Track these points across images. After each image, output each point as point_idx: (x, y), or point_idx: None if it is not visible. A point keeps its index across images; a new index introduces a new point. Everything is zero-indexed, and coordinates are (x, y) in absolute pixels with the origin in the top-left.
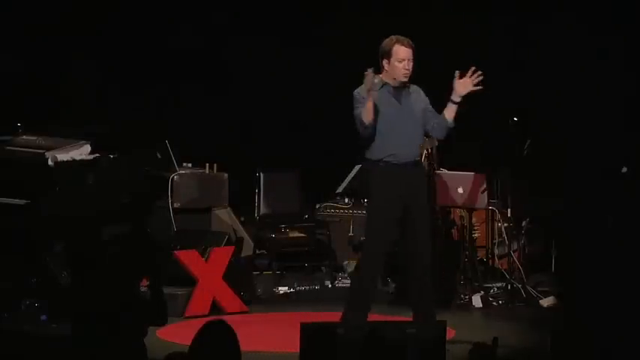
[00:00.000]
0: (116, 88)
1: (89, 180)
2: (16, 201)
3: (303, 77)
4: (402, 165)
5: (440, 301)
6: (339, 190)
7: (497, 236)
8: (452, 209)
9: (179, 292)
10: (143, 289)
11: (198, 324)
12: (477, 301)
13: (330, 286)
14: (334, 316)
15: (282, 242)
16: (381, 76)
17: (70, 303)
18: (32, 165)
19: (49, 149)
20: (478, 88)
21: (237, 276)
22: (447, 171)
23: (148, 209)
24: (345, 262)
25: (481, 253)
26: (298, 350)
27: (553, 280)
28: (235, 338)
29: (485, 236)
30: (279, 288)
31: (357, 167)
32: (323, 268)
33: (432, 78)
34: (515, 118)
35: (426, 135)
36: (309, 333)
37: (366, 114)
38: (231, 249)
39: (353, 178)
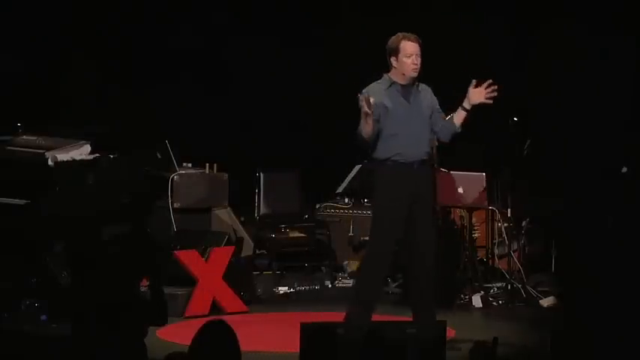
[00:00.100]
0: (116, 88)
1: (89, 180)
2: (16, 201)
3: (303, 77)
4: (409, 164)
5: (441, 301)
6: (339, 190)
7: (497, 236)
8: (452, 209)
9: (179, 292)
10: (143, 289)
11: (198, 324)
12: (477, 301)
13: (330, 286)
14: (334, 316)
15: (282, 242)
16: (389, 74)
17: (70, 303)
18: (32, 165)
19: (49, 149)
20: (489, 102)
21: (237, 276)
22: (447, 170)
23: (148, 209)
24: (345, 262)
25: (481, 253)
26: (298, 350)
27: (553, 280)
28: (235, 338)
29: (485, 236)
30: (279, 288)
31: (357, 167)
32: (323, 268)
33: (431, 78)
34: (515, 118)
35: None
36: (309, 333)
37: (365, 130)
38: (231, 249)
39: (353, 178)
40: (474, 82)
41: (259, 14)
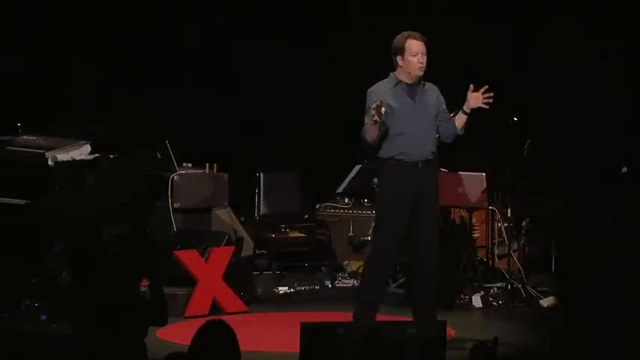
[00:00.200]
0: (116, 88)
1: (89, 180)
2: (16, 201)
3: (303, 77)
4: (413, 163)
5: (441, 301)
6: (339, 190)
7: (497, 236)
8: (452, 209)
9: (179, 292)
10: (143, 289)
11: (198, 324)
12: (477, 301)
13: (330, 286)
14: (334, 316)
15: (282, 242)
16: (395, 73)
17: (70, 303)
18: (32, 165)
19: (49, 149)
20: (485, 107)
21: (237, 276)
22: (447, 170)
23: (148, 209)
24: (345, 262)
25: (481, 253)
26: (298, 350)
27: (553, 280)
28: (235, 338)
29: (485, 236)
30: (279, 288)
31: (357, 167)
32: (323, 268)
33: (431, 78)
34: (515, 118)
35: None
36: (309, 333)
37: (370, 133)
38: (231, 249)
39: (353, 178)
40: (471, 86)
41: (259, 14)
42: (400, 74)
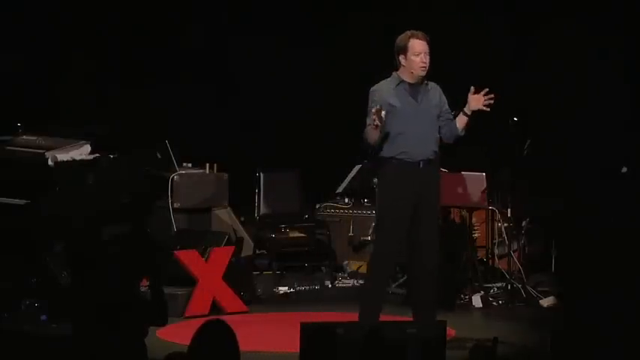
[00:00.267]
0: (116, 88)
1: (89, 180)
2: (16, 201)
3: (303, 77)
4: (415, 163)
5: (441, 301)
6: (339, 190)
7: (497, 236)
8: (452, 209)
9: (179, 292)
10: (143, 289)
11: (198, 324)
12: (477, 301)
13: (330, 286)
14: (334, 316)
15: (282, 242)
16: (398, 72)
17: (70, 303)
18: (32, 165)
19: (49, 149)
20: (486, 109)
21: (237, 276)
22: (447, 170)
23: (148, 209)
24: (345, 262)
25: (481, 253)
26: (298, 350)
27: (553, 280)
28: (234, 337)
29: (485, 236)
30: (279, 288)
31: (357, 167)
32: (323, 268)
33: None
34: (515, 118)
35: None
36: (309, 333)
37: (371, 136)
38: (231, 249)
39: (353, 178)
40: (472, 88)
41: (259, 14)
42: (403, 74)
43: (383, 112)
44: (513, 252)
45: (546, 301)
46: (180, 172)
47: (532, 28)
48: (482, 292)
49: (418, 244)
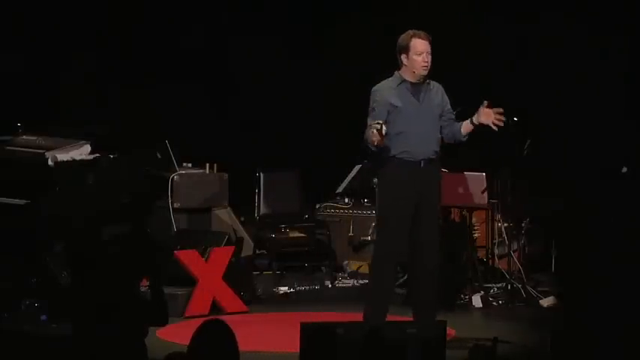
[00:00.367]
0: (116, 88)
1: (89, 180)
2: (16, 201)
3: (303, 77)
4: (416, 162)
5: (441, 301)
6: (339, 190)
7: (497, 236)
8: (452, 209)
9: (179, 292)
10: (143, 289)
11: (198, 324)
12: (477, 301)
13: (330, 286)
14: (334, 316)
15: (282, 242)
16: (400, 71)
17: (70, 303)
18: (32, 165)
19: (49, 149)
20: (494, 127)
21: (237, 276)
22: (447, 170)
23: (148, 209)
24: (345, 262)
25: (481, 253)
26: (298, 350)
27: (553, 280)
28: (233, 337)
29: (485, 236)
30: (279, 288)
31: (357, 167)
32: (323, 268)
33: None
34: (515, 118)
35: None
36: (309, 333)
37: (371, 141)
38: (231, 249)
39: (353, 178)
40: (485, 102)
41: (260, 14)
42: (405, 73)
43: (384, 129)
44: (513, 252)
45: (546, 301)
46: (180, 172)
47: (532, 27)
48: (482, 292)
49: (419, 243)
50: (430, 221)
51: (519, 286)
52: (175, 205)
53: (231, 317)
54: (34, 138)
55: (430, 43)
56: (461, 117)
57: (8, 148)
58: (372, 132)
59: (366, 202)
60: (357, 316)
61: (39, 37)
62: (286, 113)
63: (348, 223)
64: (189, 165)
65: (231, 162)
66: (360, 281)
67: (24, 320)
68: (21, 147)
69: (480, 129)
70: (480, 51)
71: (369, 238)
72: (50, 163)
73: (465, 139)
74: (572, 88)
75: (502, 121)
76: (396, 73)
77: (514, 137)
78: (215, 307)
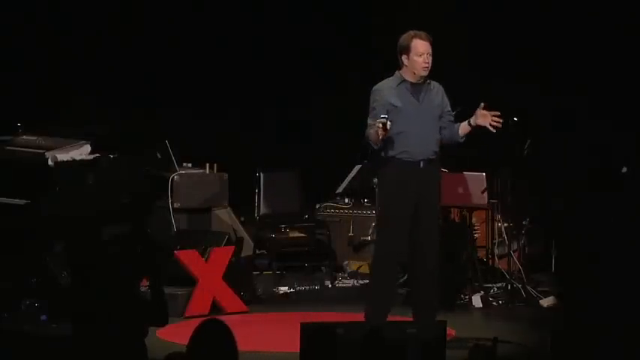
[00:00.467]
0: (116, 88)
1: (89, 180)
2: (16, 201)
3: (303, 77)
4: (415, 162)
5: (441, 301)
6: (339, 190)
7: (497, 236)
8: (452, 209)
9: (179, 292)
10: (143, 289)
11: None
12: (477, 301)
13: (330, 286)
14: (334, 316)
15: (282, 242)
16: (400, 71)
17: (70, 303)
18: (32, 165)
19: (49, 149)
20: (492, 129)
21: (237, 276)
22: (447, 170)
23: (148, 209)
24: (345, 262)
25: (481, 253)
26: (298, 350)
27: (553, 280)
28: (232, 337)
29: (485, 236)
30: (279, 288)
31: (357, 167)
32: (323, 268)
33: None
34: (515, 118)
35: None
36: (309, 333)
37: (373, 139)
38: (231, 249)
39: (353, 178)
40: (482, 104)
41: (261, 14)
42: (405, 73)
43: (388, 124)
44: (513, 252)
45: (546, 301)
46: (180, 172)
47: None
48: (482, 292)
49: (418, 243)
50: (430, 221)
51: (519, 286)
52: (175, 205)
53: (231, 317)
54: (34, 138)
55: (431, 44)
56: (461, 117)
57: (8, 148)
58: (378, 126)
59: (366, 202)
60: (357, 316)
61: (39, 36)
62: (286, 113)
63: (348, 223)
64: (189, 165)
65: (231, 162)
66: (360, 281)
67: (24, 320)
68: (21, 147)
69: (479, 130)
70: (480, 51)
71: (369, 238)
72: (50, 163)
73: (462, 140)
74: (572, 89)
75: (499, 122)
76: (396, 72)
77: (514, 137)
78: (215, 307)
